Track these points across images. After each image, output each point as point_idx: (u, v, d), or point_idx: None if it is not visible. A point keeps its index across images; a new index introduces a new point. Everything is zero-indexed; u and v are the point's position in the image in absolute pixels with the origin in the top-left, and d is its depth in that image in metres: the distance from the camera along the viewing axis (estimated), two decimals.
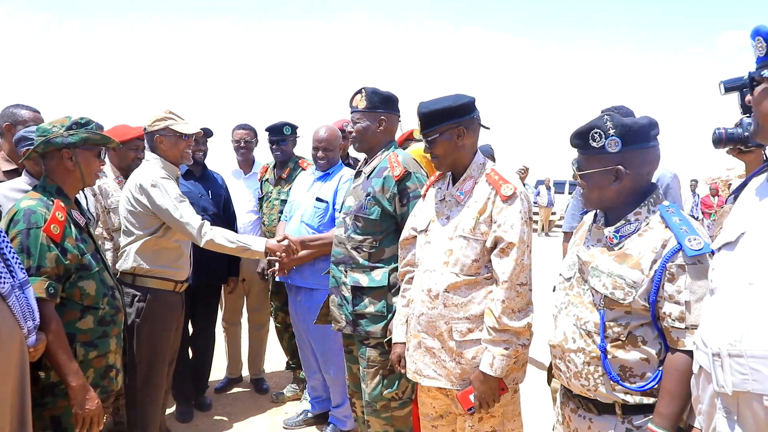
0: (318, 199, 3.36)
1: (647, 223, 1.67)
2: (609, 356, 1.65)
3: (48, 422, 2.07)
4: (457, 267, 2.14)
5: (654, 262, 1.60)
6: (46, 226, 2.03)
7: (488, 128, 2.32)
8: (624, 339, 1.63)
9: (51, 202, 2.10)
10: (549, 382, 2.20)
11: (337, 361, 3.31)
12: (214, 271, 3.84)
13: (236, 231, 3.86)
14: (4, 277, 1.75)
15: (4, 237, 1.88)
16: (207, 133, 3.91)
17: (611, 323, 1.65)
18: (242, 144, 4.31)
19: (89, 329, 2.15)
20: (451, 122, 2.16)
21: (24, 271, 1.94)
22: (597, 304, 1.68)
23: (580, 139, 1.74)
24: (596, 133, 1.69)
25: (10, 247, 1.90)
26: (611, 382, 1.65)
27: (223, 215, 3.86)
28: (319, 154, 3.48)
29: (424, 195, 2.43)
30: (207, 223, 2.90)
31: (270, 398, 4.18)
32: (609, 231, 1.72)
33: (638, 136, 1.68)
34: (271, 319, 4.29)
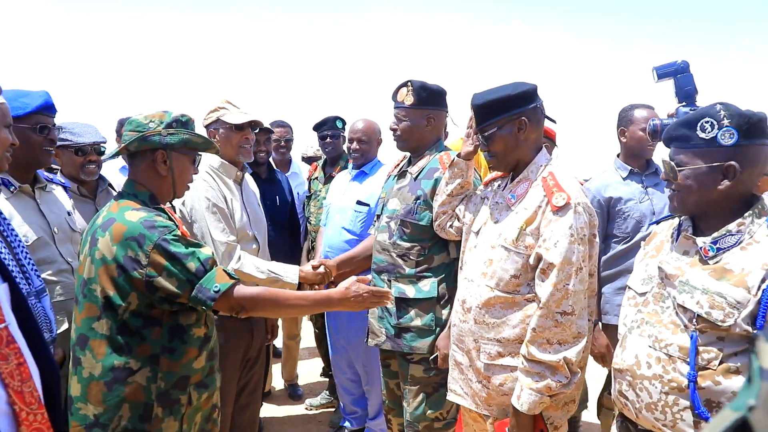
0: (359, 203, 3.13)
1: (751, 236, 1.44)
2: (697, 387, 1.42)
3: None
4: (494, 280, 1.91)
5: (764, 281, 1.37)
6: (181, 229, 1.75)
7: (554, 121, 2.07)
8: (716, 368, 1.41)
9: (159, 213, 1.76)
10: (599, 413, 1.95)
11: (379, 373, 3.10)
12: None
13: (300, 242, 3.57)
14: (20, 285, 1.61)
15: (19, 242, 1.75)
16: (267, 131, 3.48)
17: (704, 348, 1.42)
18: (282, 143, 4.08)
19: (201, 368, 1.80)
20: (511, 113, 1.90)
21: (41, 279, 1.79)
22: (685, 325, 1.46)
23: (687, 128, 1.49)
24: (707, 122, 1.45)
25: (26, 253, 1.76)
26: (697, 419, 1.42)
27: (289, 224, 3.57)
28: (354, 146, 3.24)
29: (487, 183, 2.21)
30: (238, 248, 2.44)
31: (304, 406, 4.03)
32: (704, 242, 1.48)
33: (757, 130, 1.43)
34: (306, 322, 4.13)
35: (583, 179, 3.41)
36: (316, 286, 2.55)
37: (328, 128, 3.85)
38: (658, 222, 1.78)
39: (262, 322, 2.69)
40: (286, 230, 3.42)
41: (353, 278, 1.89)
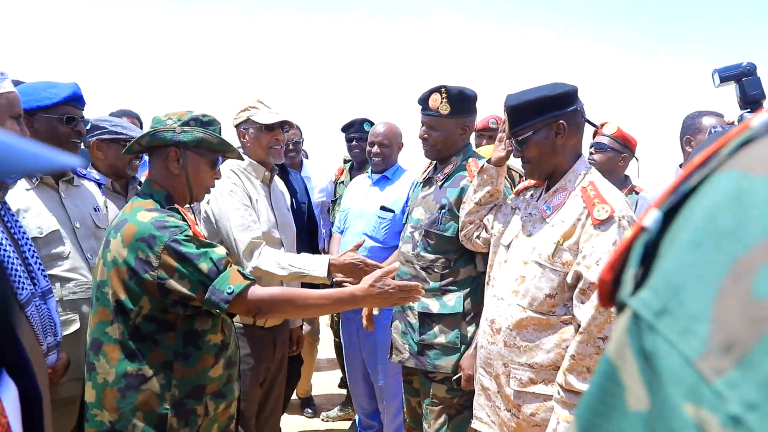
0: (384, 209, 2.98)
1: None
2: None
3: None
4: (527, 300, 1.75)
5: None
6: (193, 228, 1.66)
7: (596, 126, 1.91)
8: None
9: (171, 213, 1.68)
10: None
11: (397, 391, 2.95)
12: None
13: (318, 245, 3.38)
14: (24, 284, 1.52)
15: (27, 239, 1.66)
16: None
17: None
18: (289, 146, 3.82)
19: (218, 376, 1.71)
20: (549, 116, 1.75)
21: (47, 278, 1.70)
22: None
23: None
24: None
25: (33, 251, 1.67)
26: None
27: (307, 228, 3.35)
28: (375, 150, 3.08)
29: (517, 192, 2.05)
30: (262, 245, 2.29)
31: (320, 417, 3.90)
32: None
33: None
34: (324, 328, 3.99)
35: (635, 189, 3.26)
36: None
37: (355, 131, 3.71)
38: None
39: (286, 332, 2.59)
40: (305, 233, 3.27)
41: (378, 272, 1.72)
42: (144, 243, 1.56)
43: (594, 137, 3.15)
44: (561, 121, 1.74)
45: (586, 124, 1.87)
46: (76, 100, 2.13)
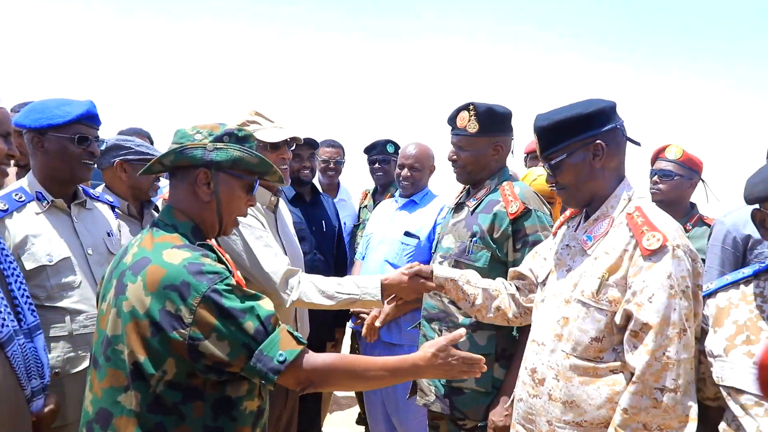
0: (408, 234, 2.79)
1: None
2: None
3: None
4: (570, 344, 1.52)
5: None
6: (236, 275, 1.41)
7: (639, 143, 1.69)
8: None
9: (206, 253, 1.39)
10: None
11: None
12: (322, 324, 2.84)
13: (346, 273, 3.11)
14: (5, 320, 1.35)
15: (14, 270, 1.49)
16: (311, 144, 3.05)
17: None
18: (330, 165, 3.70)
19: None
20: (584, 136, 1.55)
21: (35, 314, 1.52)
22: None
23: None
24: None
25: (21, 283, 1.50)
26: None
27: (336, 253, 3.16)
28: (404, 173, 2.90)
29: (555, 233, 1.83)
30: (299, 273, 2.04)
31: None
32: None
33: None
34: None
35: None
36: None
37: (377, 152, 3.54)
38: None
39: None
40: (332, 259, 3.07)
41: (442, 340, 1.49)
42: (175, 292, 1.26)
43: (653, 164, 2.95)
44: (599, 141, 1.54)
45: (628, 143, 1.66)
46: (90, 118, 2.00)
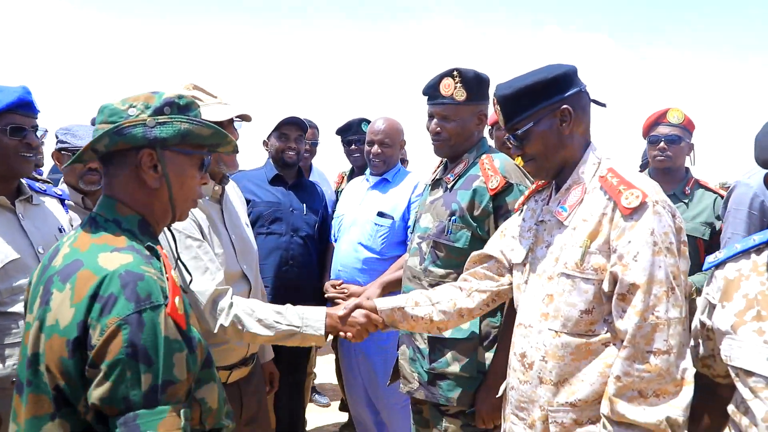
0: (381, 215, 2.65)
1: None
2: None
3: None
4: (559, 321, 1.44)
5: None
6: (171, 304, 1.10)
7: (603, 105, 1.60)
8: None
9: (150, 253, 1.18)
10: None
11: (406, 421, 2.61)
12: None
13: (329, 262, 2.88)
14: None
15: None
16: (301, 125, 2.87)
17: None
18: (306, 146, 3.42)
19: None
20: (551, 101, 1.48)
21: None
22: None
23: None
24: None
25: None
26: None
27: (318, 238, 2.96)
28: (375, 149, 2.75)
29: (517, 209, 1.75)
30: (229, 294, 1.75)
31: None
32: None
33: None
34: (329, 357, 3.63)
35: (720, 183, 2.97)
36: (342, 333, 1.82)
37: (353, 133, 3.38)
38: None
39: (256, 382, 2.09)
40: (312, 243, 2.89)
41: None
42: (99, 304, 1.04)
43: (652, 129, 2.84)
44: (565, 106, 1.48)
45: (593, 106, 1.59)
46: (24, 106, 1.82)
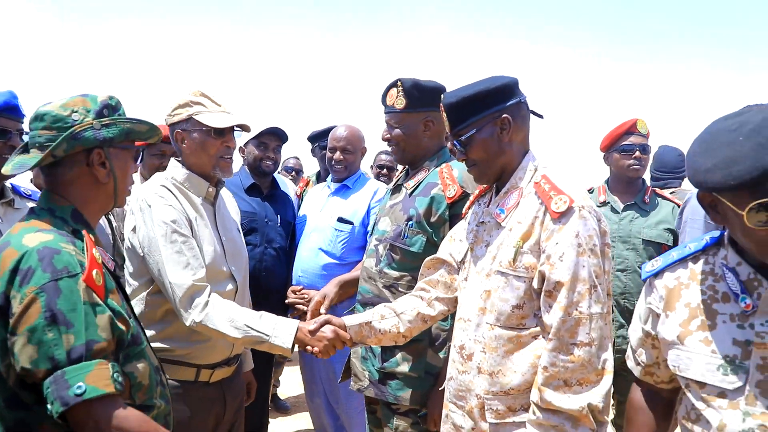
0: (341, 220, 2.71)
1: None
2: None
3: None
4: (493, 315, 1.55)
5: None
6: (87, 273, 1.21)
7: (541, 116, 1.73)
8: None
9: (75, 237, 1.30)
10: None
11: (362, 421, 2.64)
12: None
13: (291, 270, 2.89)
14: None
15: None
16: (281, 136, 2.89)
17: None
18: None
19: None
20: (491, 110, 1.59)
21: None
22: None
23: None
24: None
25: None
26: None
27: (290, 250, 2.94)
28: (336, 156, 2.82)
29: (465, 214, 1.85)
30: (207, 291, 1.81)
31: None
32: None
33: None
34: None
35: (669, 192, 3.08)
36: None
37: (325, 140, 3.41)
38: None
39: (238, 383, 2.12)
40: (284, 255, 2.90)
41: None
42: (19, 277, 1.15)
43: (620, 140, 2.87)
44: (505, 115, 1.60)
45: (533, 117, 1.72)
46: (10, 110, 1.89)
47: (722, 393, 1.16)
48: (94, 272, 1.22)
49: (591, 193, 3.02)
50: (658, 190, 3.00)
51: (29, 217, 1.31)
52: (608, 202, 2.92)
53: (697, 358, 1.20)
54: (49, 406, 1.10)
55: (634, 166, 2.84)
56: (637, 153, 2.83)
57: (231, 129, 1.97)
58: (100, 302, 1.20)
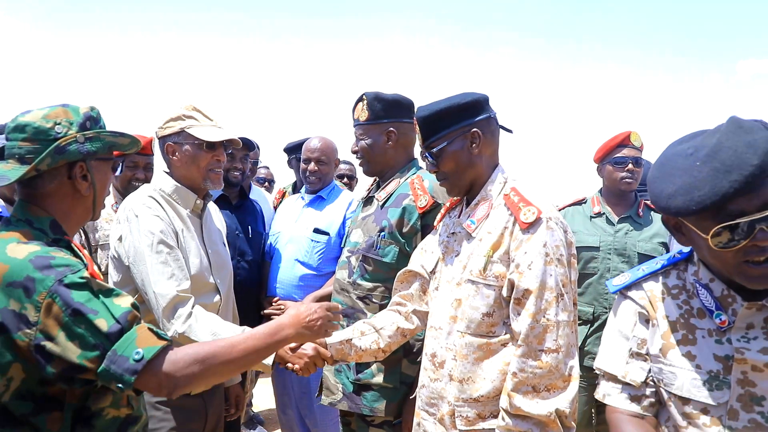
0: (317, 231, 2.72)
1: None
2: None
3: None
4: (464, 323, 1.58)
5: None
6: (90, 268, 1.25)
7: (510, 131, 1.78)
8: None
9: (58, 245, 1.27)
10: None
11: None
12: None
13: (266, 279, 2.88)
14: None
15: None
16: (248, 145, 2.86)
17: None
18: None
19: None
20: (462, 124, 1.64)
21: None
22: None
23: None
24: None
25: None
26: None
27: (262, 261, 2.92)
28: (311, 167, 2.83)
29: (436, 226, 1.88)
30: (190, 303, 1.81)
31: None
32: None
33: None
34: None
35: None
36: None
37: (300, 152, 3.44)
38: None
39: (220, 395, 2.12)
40: (256, 267, 2.89)
41: (314, 305, 1.50)
42: (19, 289, 1.13)
43: (613, 152, 2.83)
44: (475, 129, 1.65)
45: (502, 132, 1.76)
46: None
47: (705, 409, 1.16)
48: (95, 267, 1.25)
49: (584, 203, 2.96)
50: (650, 204, 2.95)
51: (5, 228, 1.26)
52: (603, 213, 2.86)
53: (681, 373, 1.19)
54: (120, 386, 1.13)
55: (627, 179, 2.80)
56: (630, 166, 2.78)
57: (221, 143, 2.00)
58: (109, 286, 1.22)
